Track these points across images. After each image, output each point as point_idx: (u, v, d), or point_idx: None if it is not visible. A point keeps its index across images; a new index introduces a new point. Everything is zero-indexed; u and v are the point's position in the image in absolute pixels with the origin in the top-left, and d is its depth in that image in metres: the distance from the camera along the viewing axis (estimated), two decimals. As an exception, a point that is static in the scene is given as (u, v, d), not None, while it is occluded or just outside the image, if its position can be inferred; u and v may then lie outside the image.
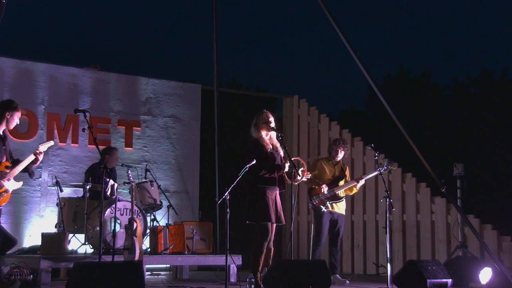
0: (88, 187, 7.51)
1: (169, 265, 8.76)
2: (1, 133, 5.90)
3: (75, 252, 7.48)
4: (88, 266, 5.19)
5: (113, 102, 9.42)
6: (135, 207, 7.25)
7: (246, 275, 6.14)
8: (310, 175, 6.57)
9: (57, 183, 7.81)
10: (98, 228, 6.86)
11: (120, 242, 7.33)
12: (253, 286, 5.96)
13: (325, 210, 7.29)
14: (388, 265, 6.37)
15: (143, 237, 7.40)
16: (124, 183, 7.81)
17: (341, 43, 7.28)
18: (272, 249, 6.11)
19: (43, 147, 5.99)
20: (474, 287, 6.76)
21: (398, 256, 8.79)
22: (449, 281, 6.30)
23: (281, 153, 6.20)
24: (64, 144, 8.91)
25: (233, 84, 19.94)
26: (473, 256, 7.63)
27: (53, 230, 7.86)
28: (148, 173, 8.51)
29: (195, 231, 7.94)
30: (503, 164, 15.88)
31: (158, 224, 8.04)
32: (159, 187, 8.34)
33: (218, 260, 7.90)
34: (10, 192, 5.91)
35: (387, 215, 6.49)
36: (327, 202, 7.31)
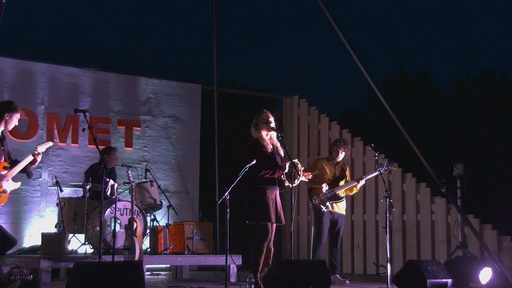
0: (88, 187, 7.51)
1: (169, 265, 8.77)
2: (0, 134, 5.89)
3: (75, 252, 7.48)
4: (88, 266, 5.19)
5: (113, 102, 9.42)
6: (135, 207, 7.25)
7: (246, 275, 6.14)
8: (310, 175, 6.57)
9: (57, 183, 7.81)
10: (98, 228, 6.86)
11: (120, 242, 7.34)
12: (253, 286, 5.96)
13: (325, 210, 7.29)
14: (388, 265, 6.37)
15: (143, 237, 7.40)
16: (124, 183, 7.82)
17: (341, 43, 7.29)
18: (272, 249, 6.11)
19: (41, 148, 5.99)
20: (474, 287, 6.76)
21: (398, 256, 8.79)
22: (449, 281, 6.30)
23: (281, 153, 6.20)
24: (64, 144, 8.91)
25: (233, 84, 19.93)
26: (473, 256, 7.63)
27: (53, 230, 7.86)
28: (148, 173, 8.51)
29: (195, 231, 7.95)
30: (503, 164, 15.87)
31: (158, 224, 8.04)
32: (159, 187, 8.34)
33: (218, 260, 7.90)
34: (8, 192, 5.91)
35: (387, 215, 6.49)
36: (327, 202, 7.31)
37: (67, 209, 7.74)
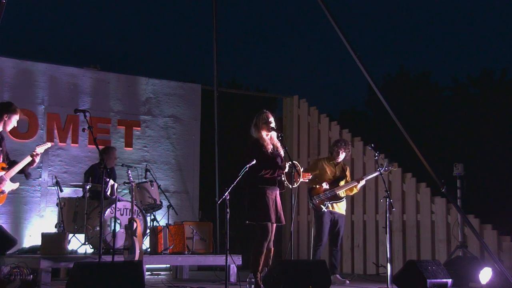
0: (88, 187, 7.51)
1: (169, 265, 8.76)
2: None
3: (75, 252, 7.48)
4: (88, 266, 5.19)
5: (113, 102, 9.42)
6: (135, 207, 7.25)
7: (246, 275, 6.14)
8: (310, 176, 6.56)
9: (57, 183, 7.81)
10: (98, 228, 6.86)
11: (120, 242, 7.33)
12: (253, 286, 5.96)
13: (326, 210, 7.29)
14: (388, 265, 6.37)
15: (143, 237, 7.40)
16: (124, 183, 7.82)
17: (341, 43, 7.29)
18: (272, 249, 6.11)
19: (40, 149, 5.99)
20: (474, 287, 6.76)
21: (398, 256, 8.79)
22: (449, 281, 6.30)
23: (282, 153, 6.20)
24: (64, 144, 8.91)
25: (233, 84, 19.93)
26: (473, 256, 7.63)
27: (53, 230, 7.86)
28: (148, 173, 8.51)
29: (195, 231, 7.94)
30: (503, 164, 15.87)
31: (158, 224, 8.04)
32: (159, 187, 8.34)
33: (218, 260, 7.90)
34: (6, 193, 5.91)
35: (387, 215, 6.49)
36: (328, 202, 7.31)
37: (67, 209, 7.74)
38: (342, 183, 7.43)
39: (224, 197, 5.54)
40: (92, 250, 7.49)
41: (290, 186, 5.99)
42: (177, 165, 9.75)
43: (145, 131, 9.59)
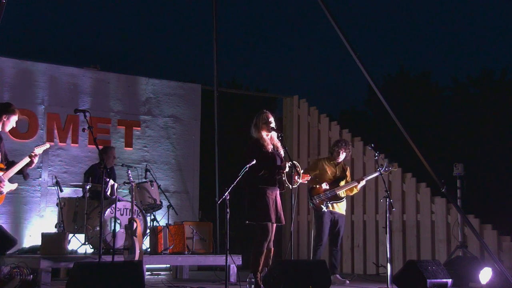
0: (88, 187, 7.51)
1: (169, 265, 8.76)
2: None
3: (75, 252, 7.48)
4: (88, 266, 5.19)
5: (113, 102, 9.42)
6: (135, 207, 7.25)
7: (246, 275, 6.14)
8: (309, 177, 6.55)
9: (57, 183, 7.81)
10: (98, 228, 6.86)
11: (120, 242, 7.33)
12: (253, 286, 5.96)
13: (326, 210, 7.29)
14: (388, 265, 6.37)
15: (143, 237, 7.40)
16: (124, 183, 7.82)
17: (341, 43, 7.29)
18: (272, 249, 6.11)
19: (38, 150, 5.99)
20: (474, 287, 6.76)
21: (398, 256, 8.79)
22: (449, 281, 6.30)
23: (282, 153, 6.20)
24: (64, 144, 8.91)
25: (233, 84, 19.93)
26: (473, 256, 7.63)
27: (53, 230, 7.86)
28: (148, 173, 8.51)
29: (195, 231, 7.94)
30: (503, 164, 15.87)
31: (158, 224, 8.04)
32: (159, 187, 8.34)
33: (218, 260, 7.90)
34: (5, 193, 5.91)
35: (387, 215, 6.49)
36: (328, 202, 7.31)
37: (67, 209, 7.74)
38: (342, 183, 7.42)
39: (224, 197, 5.54)
40: (92, 250, 7.49)
41: (290, 186, 5.99)
42: (177, 165, 9.75)
43: (145, 131, 9.59)
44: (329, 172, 7.46)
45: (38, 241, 7.51)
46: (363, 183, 7.48)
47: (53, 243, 7.05)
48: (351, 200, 9.21)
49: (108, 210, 7.53)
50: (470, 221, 7.37)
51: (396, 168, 7.64)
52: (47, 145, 6.22)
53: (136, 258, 6.75)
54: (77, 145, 9.00)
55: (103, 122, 9.19)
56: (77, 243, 7.57)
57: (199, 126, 10.07)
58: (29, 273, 5.82)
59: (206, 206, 10.04)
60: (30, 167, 6.04)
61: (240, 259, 7.64)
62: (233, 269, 7.50)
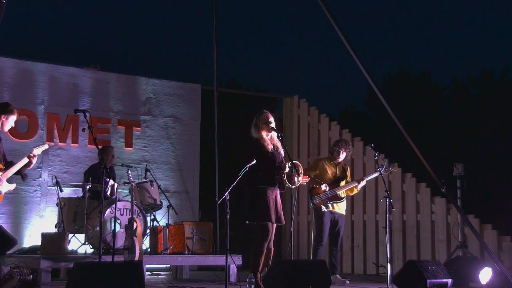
0: (88, 187, 7.51)
1: (169, 265, 8.76)
2: None
3: (75, 252, 7.48)
4: (88, 266, 5.19)
5: (113, 102, 9.42)
6: (135, 207, 7.25)
7: (246, 275, 6.14)
8: (308, 179, 6.55)
9: (57, 183, 7.80)
10: (98, 228, 6.85)
11: (120, 242, 7.33)
12: (253, 286, 5.96)
13: (326, 210, 7.29)
14: (388, 265, 6.37)
15: (143, 237, 7.40)
16: (124, 183, 7.81)
17: (341, 43, 7.29)
18: (272, 249, 6.11)
19: (37, 151, 5.99)
20: (474, 287, 6.76)
21: (398, 256, 8.79)
22: (449, 281, 6.30)
23: (282, 153, 6.20)
24: (64, 144, 8.91)
25: (233, 84, 19.94)
26: (473, 256, 7.63)
27: (53, 230, 7.85)
28: (148, 173, 8.51)
29: (195, 231, 7.94)
30: (503, 164, 15.87)
31: (158, 224, 8.03)
32: (159, 187, 8.33)
33: (218, 260, 7.90)
34: (3, 194, 5.91)
35: (387, 215, 6.49)
36: (328, 202, 7.31)
37: (67, 209, 7.74)
38: (342, 183, 7.42)
39: (224, 197, 5.54)
40: (92, 250, 7.49)
41: (291, 186, 5.98)
42: (177, 165, 9.75)
43: (145, 131, 9.58)
44: (329, 172, 7.45)
45: (38, 241, 7.51)
46: (363, 183, 7.48)
47: (53, 243, 7.05)
48: (351, 200, 9.21)
49: (108, 210, 7.53)
50: (470, 221, 7.37)
51: (396, 168, 7.64)
52: (46, 146, 6.23)
53: (136, 258, 6.75)
54: (77, 145, 9.00)
55: (103, 122, 9.19)
56: (77, 243, 7.57)
57: (199, 126, 10.06)
58: (29, 273, 5.82)
59: (206, 206, 10.04)
60: (29, 168, 6.04)
61: (240, 259, 7.64)
62: (233, 269, 7.50)
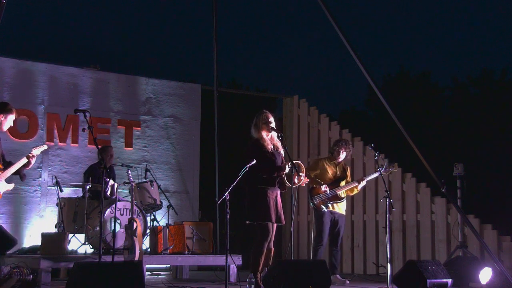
0: (88, 187, 7.51)
1: (169, 265, 8.76)
2: None
3: (75, 252, 7.48)
4: (88, 266, 5.19)
5: (113, 102, 9.42)
6: (135, 207, 7.25)
7: (246, 275, 6.14)
8: (308, 180, 6.55)
9: (57, 183, 7.81)
10: (98, 228, 6.86)
11: (120, 242, 7.33)
12: (253, 286, 5.96)
13: (326, 210, 7.29)
14: (388, 265, 6.37)
15: (143, 237, 7.40)
16: (124, 183, 7.81)
17: (341, 43, 7.28)
18: (273, 249, 6.11)
19: (36, 151, 6.00)
20: (474, 287, 6.76)
21: (398, 256, 8.79)
22: (449, 281, 6.30)
23: (282, 153, 6.20)
24: (64, 144, 8.91)
25: (233, 84, 19.95)
26: (473, 256, 7.63)
27: (53, 230, 7.86)
28: (148, 173, 8.51)
29: (195, 231, 7.94)
30: (503, 164, 15.87)
31: (158, 224, 8.04)
32: (159, 187, 8.33)
33: (218, 260, 7.90)
34: (1, 193, 5.91)
35: (387, 215, 6.49)
36: (328, 202, 7.31)
37: (67, 209, 7.74)
38: (342, 183, 7.42)
39: (224, 197, 5.54)
40: (92, 250, 7.49)
41: (291, 186, 5.98)
42: (177, 165, 9.75)
43: (145, 131, 9.59)
44: (329, 172, 7.45)
45: (38, 241, 7.51)
46: (363, 183, 7.48)
47: (53, 243, 7.05)
48: (351, 200, 9.21)
49: (108, 210, 7.53)
50: (470, 221, 7.36)
51: (396, 168, 7.64)
52: (45, 146, 6.23)
53: (136, 258, 6.75)
54: (77, 145, 9.00)
55: (103, 122, 9.19)
56: (77, 243, 7.57)
57: (199, 126, 10.07)
58: (29, 273, 5.82)
59: (206, 206, 10.04)
60: (27, 168, 6.04)
61: (240, 259, 7.64)
62: (233, 269, 7.50)
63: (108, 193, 7.78)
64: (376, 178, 8.35)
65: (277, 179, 6.04)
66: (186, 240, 7.88)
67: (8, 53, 9.04)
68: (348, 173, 7.60)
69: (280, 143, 6.18)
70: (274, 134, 6.16)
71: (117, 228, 7.18)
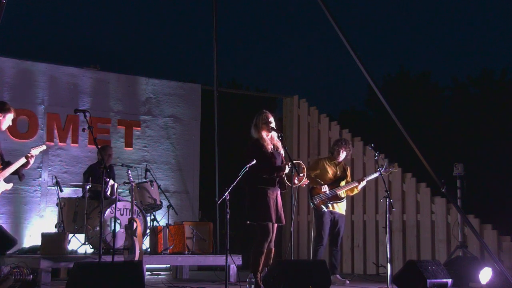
0: (88, 187, 7.51)
1: (169, 265, 8.76)
2: None
3: (75, 252, 7.48)
4: (88, 266, 5.18)
5: (113, 102, 9.42)
6: (135, 207, 7.25)
7: (246, 275, 6.14)
8: (308, 181, 6.55)
9: (57, 183, 7.81)
10: (98, 228, 6.86)
11: (120, 242, 7.33)
12: (253, 286, 5.95)
13: (326, 210, 7.29)
14: (388, 265, 6.36)
15: (143, 237, 7.40)
16: (124, 183, 7.81)
17: (341, 43, 7.28)
18: (273, 249, 6.10)
19: (34, 151, 6.00)
20: (474, 287, 6.76)
21: (398, 256, 8.79)
22: (449, 281, 6.30)
23: (282, 153, 6.20)
24: (64, 144, 8.91)
25: (233, 84, 19.95)
26: (473, 256, 7.63)
27: (53, 230, 7.86)
28: (148, 173, 8.51)
29: (195, 231, 7.94)
30: (503, 164, 15.87)
31: (158, 224, 8.04)
32: (159, 187, 8.33)
33: (218, 260, 7.90)
34: (0, 193, 5.91)
35: (387, 215, 6.49)
36: (328, 202, 7.31)
37: (67, 209, 7.74)
38: (343, 183, 7.42)
39: (224, 197, 5.54)
40: (92, 250, 7.49)
41: (291, 186, 5.98)
42: (177, 165, 9.75)
43: (145, 131, 9.59)
44: (330, 172, 7.45)
45: (38, 241, 7.51)
46: (363, 183, 7.48)
47: (53, 243, 7.05)
48: (351, 200, 9.21)
49: (108, 210, 7.53)
50: (470, 221, 7.36)
51: (396, 168, 7.64)
52: (44, 147, 6.23)
53: (136, 258, 6.74)
54: (77, 145, 9.00)
55: (103, 122, 9.19)
56: (77, 243, 7.57)
57: (199, 126, 10.07)
58: (29, 273, 5.82)
59: (206, 206, 10.04)
60: (26, 168, 6.04)
61: (240, 259, 7.64)
62: (233, 269, 7.50)
63: (108, 193, 7.78)
64: (376, 178, 8.35)
65: (277, 179, 6.04)
66: (186, 240, 7.88)
67: (8, 53, 9.06)
68: (348, 173, 7.60)
69: (280, 143, 6.18)
70: (274, 134, 6.15)
71: (117, 228, 7.18)
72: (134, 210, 7.15)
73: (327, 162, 7.54)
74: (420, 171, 8.33)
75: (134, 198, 7.19)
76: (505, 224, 8.42)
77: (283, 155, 6.21)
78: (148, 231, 7.83)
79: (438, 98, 20.91)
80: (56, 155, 8.84)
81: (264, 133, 6.10)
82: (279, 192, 6.11)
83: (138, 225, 6.95)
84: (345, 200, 7.53)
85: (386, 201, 6.50)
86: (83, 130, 6.26)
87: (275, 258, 6.24)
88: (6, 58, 8.81)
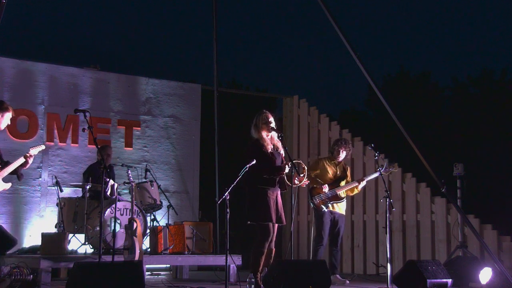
0: (88, 187, 7.51)
1: (169, 265, 8.76)
2: None
3: (75, 252, 7.48)
4: (88, 266, 5.18)
5: (113, 102, 9.42)
6: (135, 207, 7.25)
7: (246, 275, 6.14)
8: (308, 181, 6.55)
9: (57, 183, 7.81)
10: (98, 228, 6.86)
11: (120, 242, 7.33)
12: (253, 286, 5.95)
13: (326, 210, 7.29)
14: (388, 265, 6.36)
15: (143, 237, 7.40)
16: (124, 183, 7.81)
17: (341, 43, 7.28)
18: (274, 249, 6.10)
19: (33, 151, 6.00)
20: (474, 287, 6.76)
21: (398, 256, 8.79)
22: (449, 281, 6.30)
23: (282, 152, 6.20)
24: (64, 144, 8.91)
25: (233, 84, 19.95)
26: (473, 256, 7.63)
27: (53, 230, 7.86)
28: (148, 173, 8.51)
29: (195, 231, 7.94)
30: (503, 164, 15.87)
31: (158, 224, 8.04)
32: (159, 187, 8.34)
33: (218, 260, 7.90)
34: None
35: (387, 215, 6.49)
36: (328, 202, 7.31)
37: (67, 209, 7.74)
38: (343, 183, 7.42)
39: (224, 197, 5.53)
40: (92, 250, 7.49)
41: (292, 186, 5.98)
42: (177, 165, 9.75)
43: (145, 131, 9.59)
44: (330, 172, 7.45)
45: (38, 241, 7.51)
46: (363, 183, 7.48)
47: (53, 243, 7.05)
48: (351, 200, 9.21)
49: (108, 210, 7.53)
50: (470, 221, 7.36)
51: (397, 168, 7.64)
52: (43, 146, 6.23)
53: (136, 258, 6.74)
54: (77, 145, 9.00)
55: (103, 122, 9.20)
56: (77, 243, 7.58)
57: (199, 126, 10.07)
58: (29, 273, 5.82)
59: (206, 206, 10.04)
60: (25, 168, 6.04)
61: (240, 259, 7.64)
62: (233, 269, 7.50)
63: (108, 193, 7.78)
64: (376, 178, 8.35)
65: (277, 179, 6.04)
66: (186, 240, 7.88)
67: (8, 53, 9.07)
68: (348, 173, 7.60)
69: (280, 143, 6.18)
70: (274, 134, 6.15)
71: (117, 228, 7.18)
72: (134, 210, 7.15)
73: (327, 162, 7.54)
74: (420, 171, 8.33)
75: (134, 198, 7.19)
76: (505, 224, 8.42)
77: (283, 155, 6.20)
78: (148, 231, 7.83)
79: (438, 98, 20.91)
80: (56, 155, 8.84)
81: (264, 133, 6.10)
82: (279, 192, 6.11)
83: (138, 225, 6.95)
84: (345, 200, 7.53)
85: (386, 201, 6.50)
86: (83, 130, 6.26)
87: (275, 258, 6.24)
88: (6, 58, 8.81)
